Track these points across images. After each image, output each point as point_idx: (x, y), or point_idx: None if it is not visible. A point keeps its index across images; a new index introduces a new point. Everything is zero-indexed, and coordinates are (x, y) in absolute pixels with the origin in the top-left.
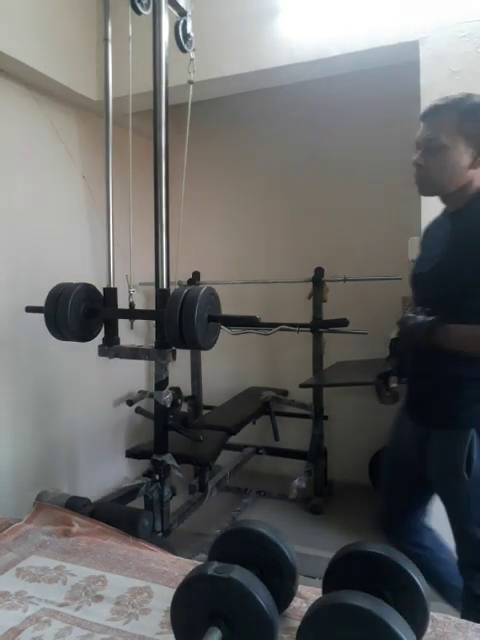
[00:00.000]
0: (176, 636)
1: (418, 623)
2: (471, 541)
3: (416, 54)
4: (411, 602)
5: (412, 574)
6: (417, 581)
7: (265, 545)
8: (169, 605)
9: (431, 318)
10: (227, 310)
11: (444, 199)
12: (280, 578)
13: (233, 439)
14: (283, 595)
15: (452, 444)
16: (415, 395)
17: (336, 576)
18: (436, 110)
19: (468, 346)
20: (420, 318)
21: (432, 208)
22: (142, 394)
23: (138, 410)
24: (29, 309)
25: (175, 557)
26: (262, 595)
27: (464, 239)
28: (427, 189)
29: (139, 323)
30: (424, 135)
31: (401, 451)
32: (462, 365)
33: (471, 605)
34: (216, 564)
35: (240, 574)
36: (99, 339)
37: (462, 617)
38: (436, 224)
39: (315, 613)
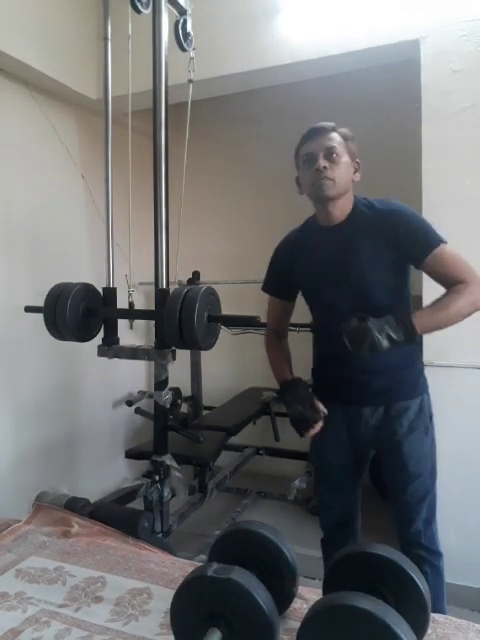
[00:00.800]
0: (176, 637)
1: (418, 624)
2: (429, 496)
3: (417, 53)
4: (412, 603)
5: (412, 574)
6: (417, 582)
7: (265, 546)
8: (169, 606)
9: (392, 315)
10: (227, 310)
11: (333, 204)
12: (280, 579)
13: (233, 439)
14: (283, 596)
15: (417, 409)
16: (372, 383)
17: (336, 577)
18: (324, 129)
19: (450, 321)
20: (374, 320)
21: (432, 208)
22: (142, 394)
23: (138, 410)
24: (28, 309)
25: (175, 558)
26: (262, 596)
27: (359, 242)
28: (333, 190)
29: (139, 323)
30: (324, 145)
31: (342, 455)
32: (408, 347)
33: (434, 565)
34: (216, 565)
35: (240, 575)
36: (99, 339)
37: None
38: (311, 238)
39: (315, 614)
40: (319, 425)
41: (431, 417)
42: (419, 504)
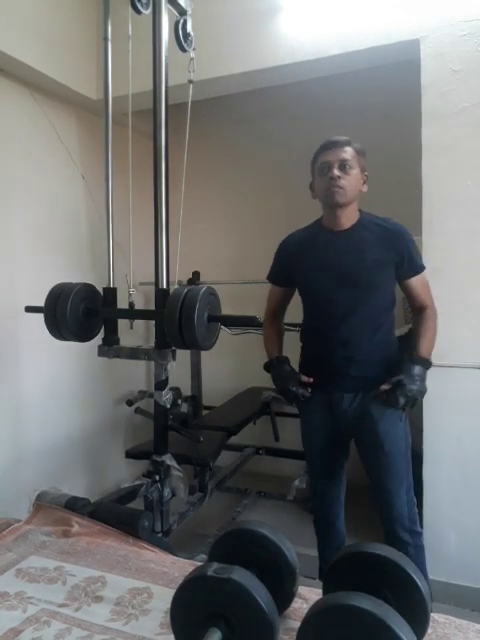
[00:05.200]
0: (176, 636)
1: (418, 623)
2: (406, 479)
3: (417, 53)
4: (412, 602)
5: (412, 574)
6: (417, 581)
7: (265, 546)
8: (169, 606)
9: (418, 366)
10: (227, 310)
11: (342, 211)
12: (280, 579)
13: (233, 439)
14: (283, 596)
15: None
16: (351, 371)
17: (336, 577)
18: (341, 142)
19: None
20: (407, 377)
21: (432, 208)
22: (142, 394)
23: (138, 410)
24: (29, 309)
25: (175, 558)
26: (262, 596)
27: (362, 248)
28: (343, 197)
29: (139, 323)
30: (339, 157)
31: (324, 437)
32: (388, 338)
33: (417, 545)
34: (216, 565)
35: (240, 575)
36: (99, 339)
37: None
38: (317, 239)
39: (315, 614)
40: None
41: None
42: (399, 487)
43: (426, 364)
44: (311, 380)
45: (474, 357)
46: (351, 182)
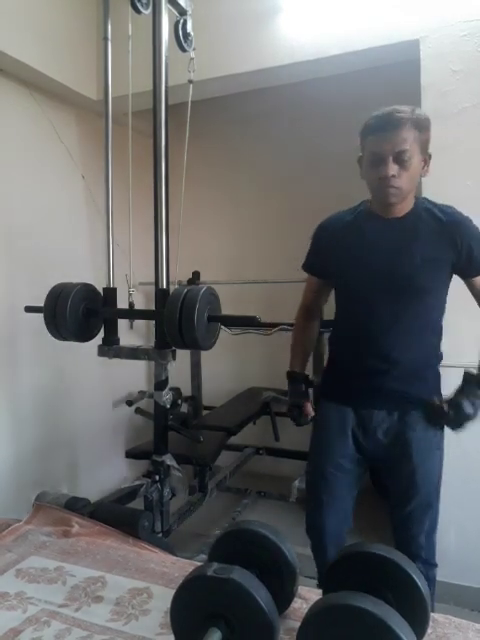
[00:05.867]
0: (176, 636)
1: (418, 623)
2: (432, 510)
3: (417, 53)
4: (412, 602)
5: (412, 574)
6: (418, 581)
7: (265, 546)
8: (169, 606)
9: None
10: (227, 310)
11: (393, 205)
12: (280, 579)
13: (233, 439)
14: (283, 596)
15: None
16: (391, 385)
17: (336, 577)
18: (399, 123)
19: None
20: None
21: None
22: (142, 394)
23: (138, 410)
24: (28, 309)
25: (175, 558)
26: (262, 596)
27: (414, 242)
28: (398, 198)
29: (139, 323)
30: (396, 148)
31: (338, 461)
32: (435, 352)
33: (430, 578)
34: (216, 565)
35: (240, 575)
36: (99, 339)
37: None
38: (363, 223)
39: (315, 614)
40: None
41: (443, 428)
42: (422, 517)
43: None
44: (313, 414)
45: (474, 357)
46: (410, 177)
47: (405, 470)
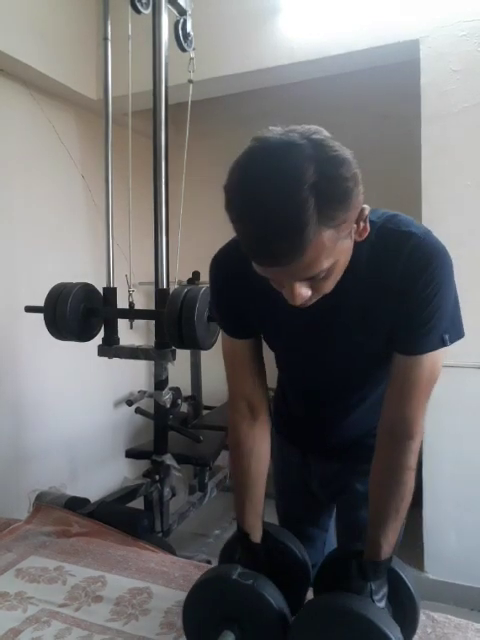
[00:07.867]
0: (186, 632)
1: (408, 623)
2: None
3: (417, 53)
4: (401, 601)
5: (401, 574)
6: (407, 581)
7: (283, 551)
8: (169, 606)
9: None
10: None
11: None
12: (294, 585)
13: None
14: (296, 602)
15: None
16: (332, 445)
17: (327, 577)
18: (294, 247)
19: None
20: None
21: (432, 208)
22: (142, 394)
23: (138, 410)
24: (28, 309)
25: (175, 558)
26: (280, 608)
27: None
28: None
29: (139, 323)
30: (301, 276)
31: (299, 502)
32: (373, 422)
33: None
34: (240, 569)
35: (263, 583)
36: (99, 339)
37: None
38: (271, 292)
39: (304, 615)
40: None
41: None
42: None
43: (382, 572)
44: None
45: (474, 357)
46: (335, 279)
47: (350, 507)
